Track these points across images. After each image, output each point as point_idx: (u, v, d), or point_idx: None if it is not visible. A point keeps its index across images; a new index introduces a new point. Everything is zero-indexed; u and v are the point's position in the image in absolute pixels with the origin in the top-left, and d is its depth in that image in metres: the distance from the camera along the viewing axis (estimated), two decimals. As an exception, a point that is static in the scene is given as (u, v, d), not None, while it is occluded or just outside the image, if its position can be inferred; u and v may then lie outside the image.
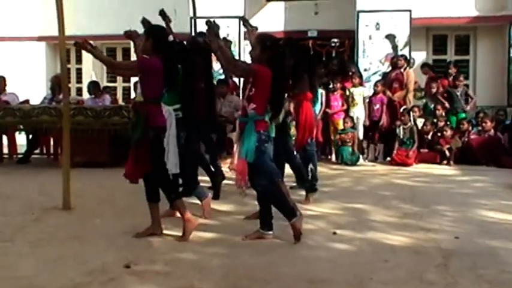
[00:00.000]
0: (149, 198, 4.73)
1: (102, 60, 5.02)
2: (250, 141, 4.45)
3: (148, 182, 4.72)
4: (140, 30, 5.27)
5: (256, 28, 5.04)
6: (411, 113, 10.15)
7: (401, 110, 10.18)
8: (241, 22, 4.87)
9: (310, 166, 6.68)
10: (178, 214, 4.90)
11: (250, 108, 4.49)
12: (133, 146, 4.62)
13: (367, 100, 10.32)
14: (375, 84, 10.55)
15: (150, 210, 4.74)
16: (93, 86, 10.66)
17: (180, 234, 4.65)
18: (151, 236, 4.65)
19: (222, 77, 9.93)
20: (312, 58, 10.26)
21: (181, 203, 4.72)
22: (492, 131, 9.93)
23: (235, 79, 11.67)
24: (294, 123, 6.52)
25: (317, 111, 7.04)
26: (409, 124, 9.91)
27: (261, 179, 4.54)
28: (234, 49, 12.72)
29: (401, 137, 9.85)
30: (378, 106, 10.29)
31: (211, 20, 4.64)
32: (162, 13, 6.18)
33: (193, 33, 11.78)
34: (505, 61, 12.42)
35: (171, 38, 5.31)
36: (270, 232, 4.66)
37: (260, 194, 4.68)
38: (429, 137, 10.11)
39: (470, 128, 10.15)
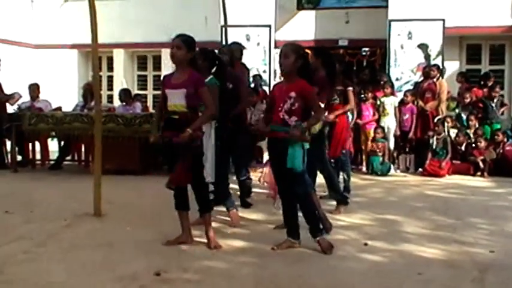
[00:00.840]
0: (179, 206, 4.72)
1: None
2: (294, 150, 4.47)
3: (182, 190, 4.70)
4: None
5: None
6: (445, 123, 10.01)
7: (435, 120, 10.03)
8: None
9: (344, 176, 6.65)
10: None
11: (292, 121, 4.50)
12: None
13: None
14: (405, 94, 10.43)
15: (180, 219, 4.73)
16: (125, 94, 10.75)
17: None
18: (182, 244, 4.64)
19: (252, 85, 9.93)
20: (348, 68, 10.26)
21: (209, 217, 4.74)
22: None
23: (265, 87, 11.69)
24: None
25: (349, 121, 6.98)
26: (443, 134, 9.77)
27: (301, 187, 4.56)
28: (264, 57, 12.75)
29: (434, 147, 9.72)
30: (407, 116, 10.17)
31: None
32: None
33: (223, 42, 11.82)
34: (541, 71, 12.19)
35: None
36: (298, 241, 4.64)
37: (297, 202, 4.66)
38: (463, 148, 9.94)
39: (505, 139, 9.95)
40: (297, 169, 4.50)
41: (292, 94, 4.52)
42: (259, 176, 6.22)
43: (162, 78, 4.92)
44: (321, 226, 4.75)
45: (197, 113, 4.64)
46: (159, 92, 14.51)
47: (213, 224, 4.95)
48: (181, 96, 4.54)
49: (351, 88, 6.46)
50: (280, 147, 4.52)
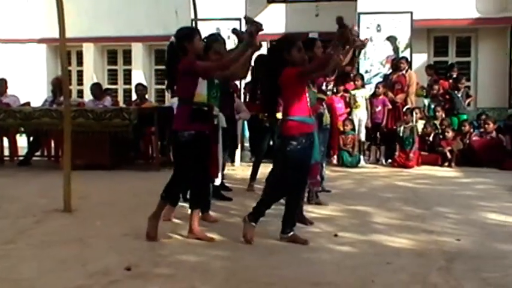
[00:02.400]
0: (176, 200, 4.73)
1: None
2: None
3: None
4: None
5: (260, 25, 4.92)
6: (413, 113, 10.14)
7: (404, 109, 10.16)
8: (245, 21, 4.74)
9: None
10: (173, 219, 5.12)
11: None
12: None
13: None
14: (376, 86, 10.54)
15: (162, 210, 4.73)
16: (96, 88, 10.65)
17: (180, 237, 4.71)
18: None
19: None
20: None
21: (197, 213, 4.77)
22: (494, 132, 9.92)
23: (237, 82, 11.66)
24: None
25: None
26: (411, 124, 9.90)
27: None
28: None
29: (401, 135, 9.82)
30: (379, 108, 10.28)
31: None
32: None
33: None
34: (507, 63, 12.41)
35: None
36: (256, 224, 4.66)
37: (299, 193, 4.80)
38: (430, 138, 10.10)
39: (471, 130, 10.14)
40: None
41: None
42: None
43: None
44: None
45: None
46: (129, 87, 14.47)
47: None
48: (204, 87, 4.59)
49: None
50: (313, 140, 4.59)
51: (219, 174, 5.28)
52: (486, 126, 9.98)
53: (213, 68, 4.65)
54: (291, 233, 4.61)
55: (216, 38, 5.91)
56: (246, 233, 4.57)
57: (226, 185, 7.02)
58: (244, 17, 4.79)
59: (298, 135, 4.45)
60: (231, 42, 12.56)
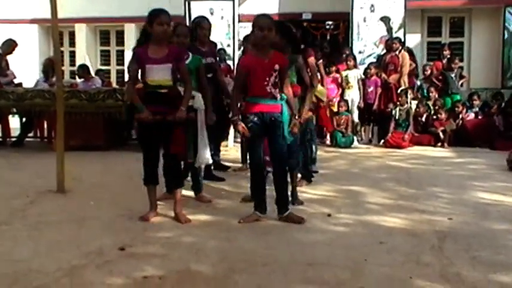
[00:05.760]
0: (152, 181, 4.71)
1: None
2: (286, 122, 4.74)
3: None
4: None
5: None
6: (407, 94, 10.16)
7: (398, 91, 10.18)
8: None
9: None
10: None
11: (277, 93, 4.64)
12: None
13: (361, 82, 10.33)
14: (368, 67, 10.54)
15: (149, 194, 4.73)
16: (82, 70, 10.59)
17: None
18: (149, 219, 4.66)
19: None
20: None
21: (180, 193, 4.77)
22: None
23: (229, 62, 11.64)
24: None
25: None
26: (406, 106, 9.93)
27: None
28: (228, 31, 12.68)
29: (397, 117, 9.86)
30: (372, 88, 10.30)
31: None
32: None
33: (187, 16, 11.71)
34: (500, 44, 12.42)
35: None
36: (264, 215, 4.70)
37: (287, 173, 4.90)
38: (423, 119, 10.13)
39: (464, 111, 10.18)
40: (292, 140, 4.81)
41: (277, 67, 4.55)
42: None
43: (133, 53, 4.75)
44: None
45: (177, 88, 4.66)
46: (122, 67, 14.39)
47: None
48: (166, 71, 4.53)
49: (321, 61, 6.51)
50: (275, 120, 4.60)
51: (206, 155, 5.27)
52: (474, 102, 10.34)
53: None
54: (287, 212, 4.64)
55: (197, 22, 5.95)
56: (246, 217, 4.64)
57: (224, 163, 7.17)
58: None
59: (248, 113, 4.61)
60: (224, 23, 12.59)
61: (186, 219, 4.63)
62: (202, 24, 6.40)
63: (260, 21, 4.55)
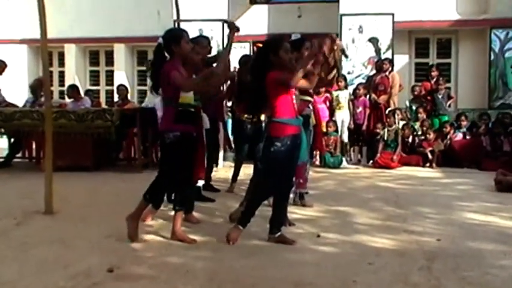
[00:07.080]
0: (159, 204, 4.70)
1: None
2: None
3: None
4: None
5: (238, 29, 4.96)
6: (395, 115, 10.22)
7: (386, 111, 10.24)
8: (227, 25, 4.79)
9: None
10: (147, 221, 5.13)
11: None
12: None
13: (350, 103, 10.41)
14: (357, 88, 10.62)
15: (142, 210, 4.73)
16: (72, 90, 10.58)
17: (163, 239, 4.71)
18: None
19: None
20: None
21: (180, 215, 4.76)
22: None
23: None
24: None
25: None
26: (394, 126, 10.00)
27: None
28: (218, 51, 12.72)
29: (385, 138, 9.92)
30: (360, 109, 10.37)
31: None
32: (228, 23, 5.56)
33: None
34: (486, 64, 12.54)
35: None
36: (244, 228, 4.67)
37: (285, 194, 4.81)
38: (409, 140, 10.21)
39: (452, 131, 10.26)
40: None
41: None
42: None
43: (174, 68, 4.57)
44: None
45: None
46: (111, 88, 14.38)
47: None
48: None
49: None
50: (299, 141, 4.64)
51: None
52: (462, 123, 10.41)
53: (187, 86, 4.54)
54: (279, 233, 4.63)
55: (199, 42, 5.94)
56: (230, 233, 4.57)
57: (214, 186, 7.15)
58: (225, 21, 4.88)
59: (283, 136, 4.48)
60: (214, 44, 12.63)
61: (192, 240, 4.63)
62: (203, 44, 6.51)
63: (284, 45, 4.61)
